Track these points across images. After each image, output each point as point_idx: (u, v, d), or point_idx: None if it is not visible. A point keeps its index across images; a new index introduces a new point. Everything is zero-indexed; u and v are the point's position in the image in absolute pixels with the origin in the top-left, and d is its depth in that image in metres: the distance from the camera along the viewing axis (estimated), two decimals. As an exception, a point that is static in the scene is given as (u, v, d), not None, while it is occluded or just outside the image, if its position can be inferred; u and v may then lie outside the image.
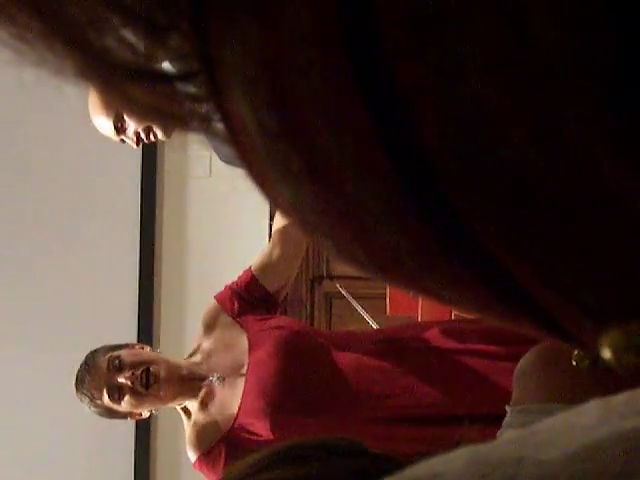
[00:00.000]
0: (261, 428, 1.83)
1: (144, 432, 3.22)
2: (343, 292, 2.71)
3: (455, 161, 0.19)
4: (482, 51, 0.18)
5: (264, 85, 0.20)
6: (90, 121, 2.09)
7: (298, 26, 0.19)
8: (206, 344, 1.97)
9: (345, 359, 1.87)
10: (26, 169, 3.34)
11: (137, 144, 2.13)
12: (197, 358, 1.96)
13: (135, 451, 3.27)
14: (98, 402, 1.88)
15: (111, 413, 1.91)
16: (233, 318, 1.97)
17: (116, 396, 1.85)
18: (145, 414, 1.96)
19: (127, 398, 1.86)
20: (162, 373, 1.86)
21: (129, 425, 3.01)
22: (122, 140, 2.11)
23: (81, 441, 3.20)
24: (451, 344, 1.89)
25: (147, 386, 1.85)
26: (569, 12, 0.17)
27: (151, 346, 2.12)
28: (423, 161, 0.20)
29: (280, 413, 1.82)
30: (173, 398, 1.91)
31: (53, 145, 3.33)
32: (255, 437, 1.84)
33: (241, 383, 1.88)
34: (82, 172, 3.34)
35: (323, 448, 0.81)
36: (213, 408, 1.91)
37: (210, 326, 1.98)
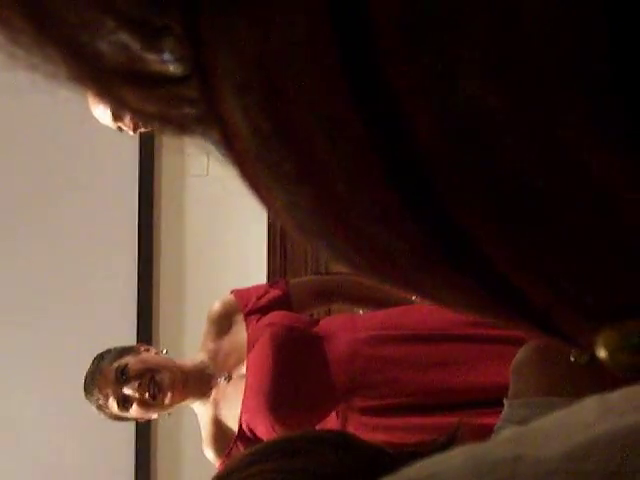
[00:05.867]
0: (262, 425, 1.83)
1: (145, 429, 3.22)
2: None
3: (449, 163, 0.19)
4: (476, 53, 0.18)
5: (257, 88, 0.20)
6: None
7: (290, 29, 0.19)
8: (213, 343, 1.97)
9: (339, 349, 1.87)
10: (23, 167, 3.33)
11: (134, 131, 2.12)
12: (204, 358, 1.96)
13: (136, 448, 3.27)
14: (106, 410, 1.89)
15: (120, 419, 1.92)
16: (244, 316, 1.97)
17: (125, 405, 1.86)
18: (154, 416, 1.97)
19: (135, 407, 1.87)
20: (166, 380, 1.86)
21: (130, 423, 3.02)
22: (119, 128, 2.11)
23: (82, 438, 3.20)
24: (447, 329, 1.89)
25: (154, 396, 1.85)
26: (564, 13, 0.17)
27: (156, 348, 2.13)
28: (417, 163, 0.20)
29: (278, 410, 1.83)
30: (181, 401, 1.92)
31: (50, 143, 3.32)
32: (259, 435, 1.85)
33: (243, 382, 1.89)
34: (79, 170, 3.34)
35: (315, 441, 0.81)
36: (224, 409, 1.93)
37: (223, 321, 1.98)
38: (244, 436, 1.88)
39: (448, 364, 1.85)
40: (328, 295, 2.04)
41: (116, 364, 1.87)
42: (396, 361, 1.86)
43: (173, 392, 1.87)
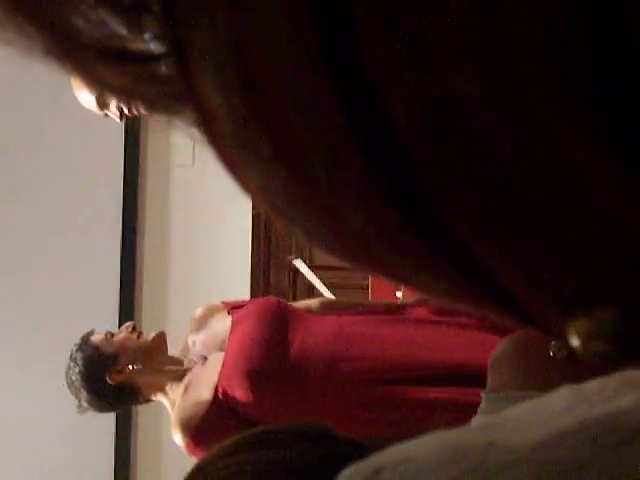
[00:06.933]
0: (240, 388, 1.84)
1: (125, 428, 3.21)
2: (297, 265, 2.77)
3: (425, 148, 0.19)
4: (452, 39, 0.18)
5: (234, 68, 0.20)
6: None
7: (267, 8, 0.19)
8: (194, 338, 2.01)
9: (325, 327, 1.96)
10: (7, 154, 3.31)
11: (120, 118, 2.12)
12: (181, 355, 2.00)
13: (116, 447, 3.25)
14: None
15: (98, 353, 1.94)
16: (229, 310, 2.03)
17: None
18: (136, 366, 1.96)
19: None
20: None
21: (109, 420, 2.99)
22: (106, 114, 2.10)
23: (62, 437, 3.18)
24: (430, 316, 2.01)
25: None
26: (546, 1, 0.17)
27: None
28: (393, 147, 0.20)
29: (259, 374, 1.86)
30: (158, 382, 1.95)
31: (34, 131, 3.30)
32: (236, 400, 1.85)
33: (220, 359, 1.92)
34: (64, 158, 3.32)
35: (292, 433, 0.82)
36: (196, 387, 1.93)
37: (206, 318, 2.03)
38: (217, 408, 1.87)
39: (428, 345, 1.94)
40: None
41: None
42: (378, 339, 1.94)
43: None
